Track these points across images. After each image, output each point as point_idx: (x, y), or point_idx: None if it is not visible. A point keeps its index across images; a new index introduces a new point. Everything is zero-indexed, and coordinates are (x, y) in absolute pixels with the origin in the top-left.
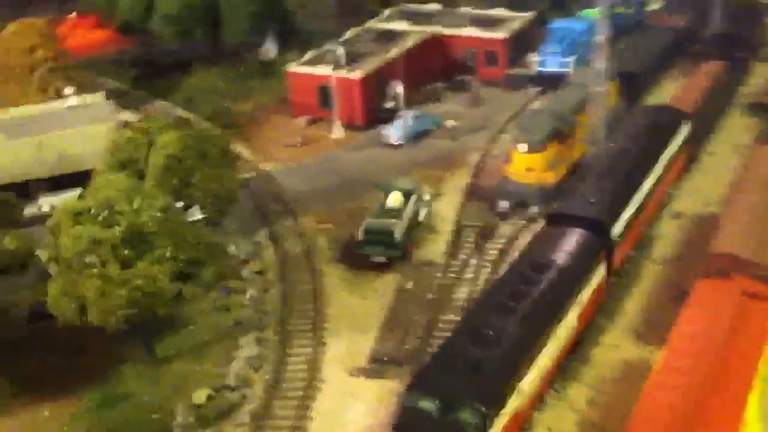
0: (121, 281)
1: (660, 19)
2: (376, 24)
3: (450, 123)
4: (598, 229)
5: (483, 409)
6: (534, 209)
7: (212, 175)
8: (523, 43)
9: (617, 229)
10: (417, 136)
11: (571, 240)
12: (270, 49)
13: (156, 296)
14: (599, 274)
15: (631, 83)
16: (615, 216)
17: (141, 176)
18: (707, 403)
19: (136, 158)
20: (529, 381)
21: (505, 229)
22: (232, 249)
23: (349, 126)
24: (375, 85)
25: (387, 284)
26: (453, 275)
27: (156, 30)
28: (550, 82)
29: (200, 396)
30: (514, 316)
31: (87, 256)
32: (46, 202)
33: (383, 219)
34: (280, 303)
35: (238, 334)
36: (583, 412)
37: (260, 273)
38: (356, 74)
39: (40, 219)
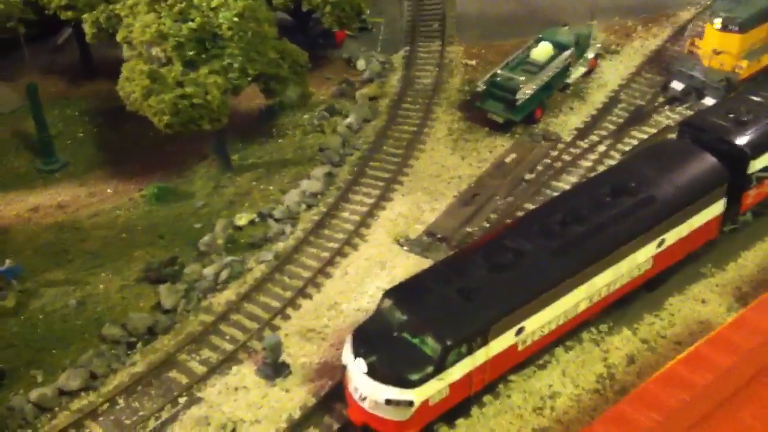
0: (172, 84)
1: None
2: None
3: None
4: (728, 156)
5: (449, 342)
6: (709, 102)
7: None
8: None
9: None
10: None
11: (684, 162)
12: None
13: (202, 108)
14: (711, 212)
15: None
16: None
17: None
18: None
19: None
20: (541, 322)
21: (664, 117)
22: (360, 64)
23: None
24: None
25: (494, 149)
26: (568, 158)
27: None
28: None
29: (243, 219)
30: (551, 242)
31: (153, 48)
32: None
33: (513, 74)
34: (373, 139)
35: (316, 162)
36: (615, 367)
37: (373, 98)
38: None
39: None
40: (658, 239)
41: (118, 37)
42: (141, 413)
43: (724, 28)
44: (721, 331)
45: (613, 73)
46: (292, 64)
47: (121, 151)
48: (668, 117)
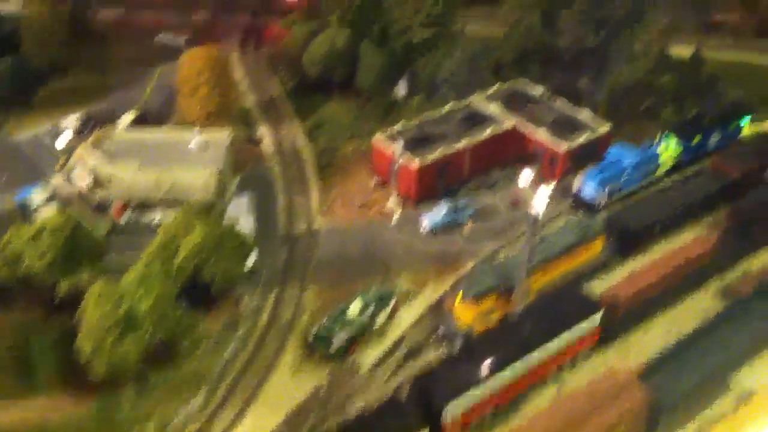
0: (109, 349)
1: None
2: (476, 101)
3: (467, 229)
4: (428, 410)
5: None
6: (457, 347)
7: (220, 264)
8: (589, 154)
9: (458, 409)
10: (445, 227)
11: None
12: (401, 88)
13: (122, 366)
14: None
15: (627, 237)
16: (453, 398)
17: (176, 253)
18: None
19: (176, 242)
20: None
21: (431, 355)
22: (245, 300)
23: (407, 198)
24: (434, 171)
25: (321, 374)
26: (362, 384)
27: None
28: (584, 206)
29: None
30: None
31: (101, 322)
32: (157, 217)
33: (333, 325)
34: (241, 368)
35: (205, 381)
36: None
37: (246, 334)
38: (415, 164)
39: (148, 229)
40: None
41: (80, 317)
42: None
43: (464, 300)
44: None
45: (409, 315)
46: (184, 327)
47: None
48: (435, 355)
